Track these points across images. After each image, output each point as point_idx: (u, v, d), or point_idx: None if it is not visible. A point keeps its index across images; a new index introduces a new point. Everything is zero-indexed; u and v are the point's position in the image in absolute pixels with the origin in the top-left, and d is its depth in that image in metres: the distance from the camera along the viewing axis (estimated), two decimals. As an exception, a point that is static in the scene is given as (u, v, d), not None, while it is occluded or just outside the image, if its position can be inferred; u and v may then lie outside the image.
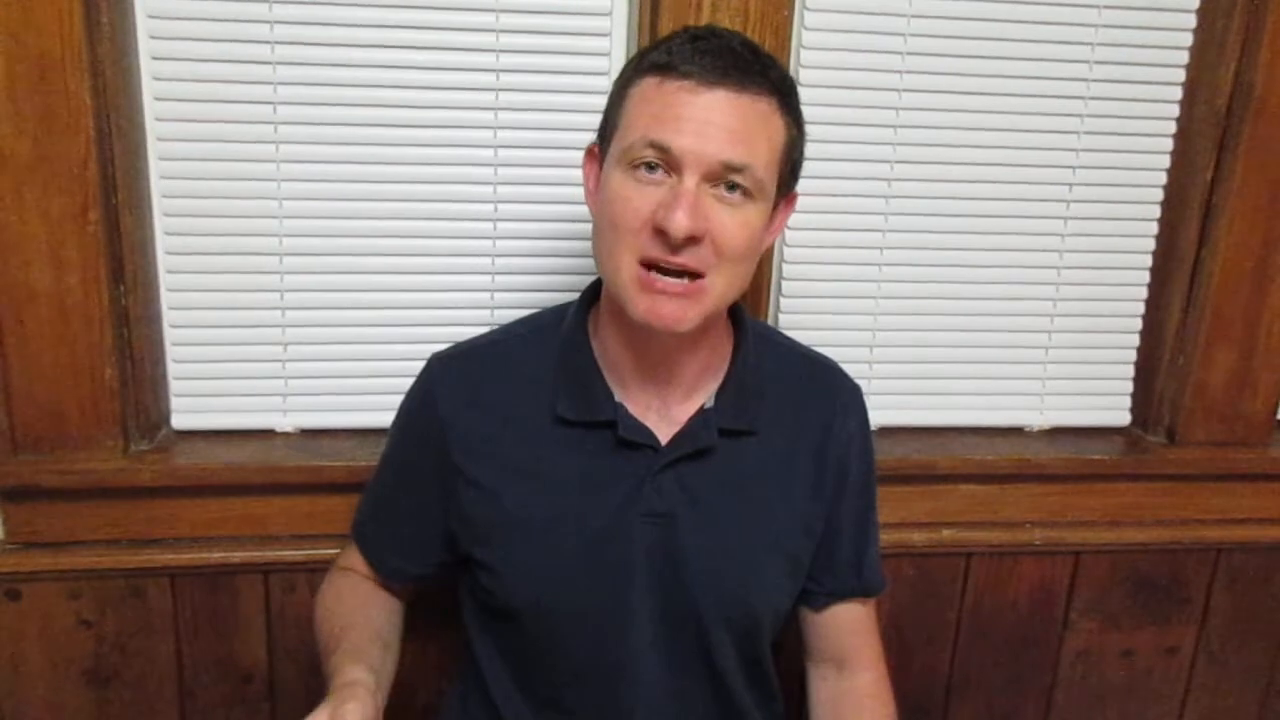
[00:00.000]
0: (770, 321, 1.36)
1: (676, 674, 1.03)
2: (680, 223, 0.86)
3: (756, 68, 0.90)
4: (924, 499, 1.42)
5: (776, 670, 1.13)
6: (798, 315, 1.36)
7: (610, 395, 0.99)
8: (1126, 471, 1.46)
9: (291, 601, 1.31)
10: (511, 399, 1.01)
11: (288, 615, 1.31)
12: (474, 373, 1.03)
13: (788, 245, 1.34)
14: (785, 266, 1.35)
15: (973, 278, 1.40)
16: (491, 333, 1.09)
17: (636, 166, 0.89)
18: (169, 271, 1.25)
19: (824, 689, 1.13)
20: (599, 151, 0.97)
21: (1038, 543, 1.46)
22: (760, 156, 0.89)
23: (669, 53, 0.89)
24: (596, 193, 0.96)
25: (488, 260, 1.29)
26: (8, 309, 1.18)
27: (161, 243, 1.25)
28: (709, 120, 0.87)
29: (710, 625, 1.01)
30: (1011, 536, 1.45)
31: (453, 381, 1.03)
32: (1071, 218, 1.40)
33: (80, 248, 1.17)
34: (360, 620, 1.04)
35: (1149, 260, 1.44)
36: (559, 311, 1.06)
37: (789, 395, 1.04)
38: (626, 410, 0.99)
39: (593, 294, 1.04)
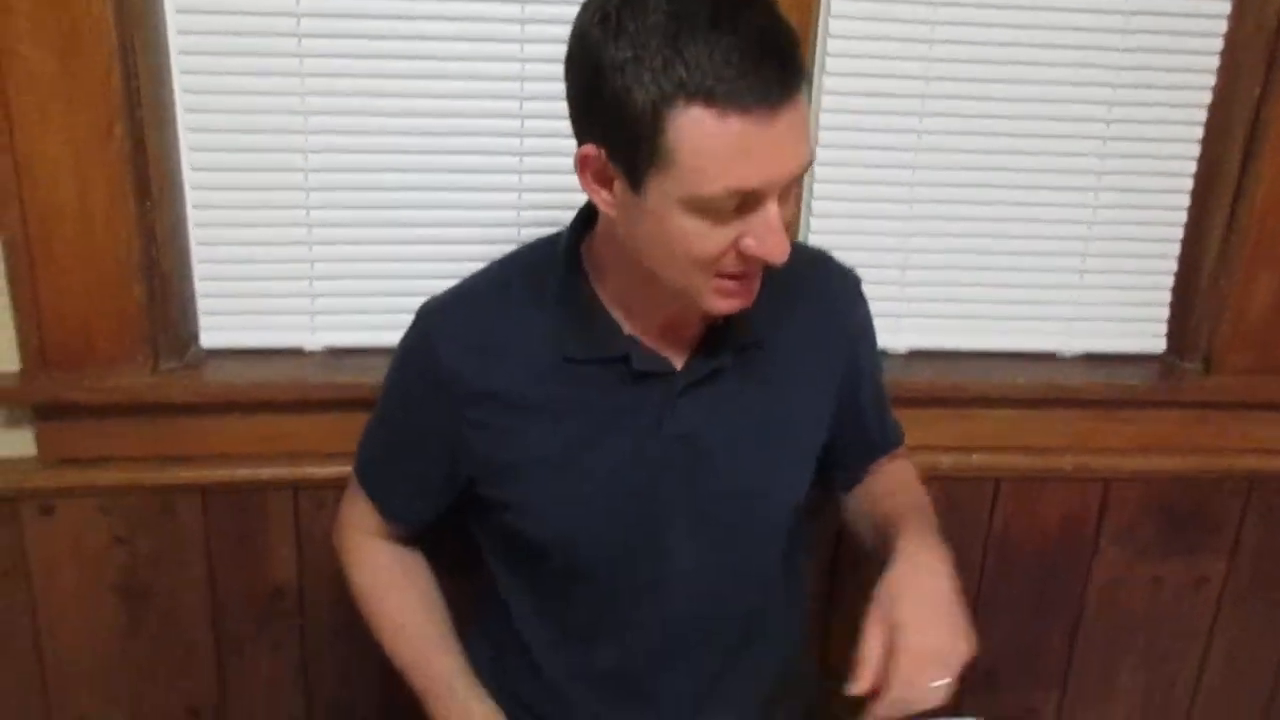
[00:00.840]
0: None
1: (709, 587, 1.03)
2: (783, 255, 0.85)
3: (791, 52, 0.81)
4: (953, 423, 1.41)
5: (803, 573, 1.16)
6: (828, 237, 1.34)
7: (619, 330, 0.97)
8: (1160, 399, 1.44)
9: (321, 519, 1.32)
10: (515, 340, 0.98)
11: (317, 532, 1.32)
12: (472, 318, 1.00)
13: (819, 165, 1.31)
14: (816, 187, 1.33)
15: (1006, 199, 1.37)
16: (480, 275, 1.05)
17: (716, 211, 0.83)
18: (194, 188, 1.25)
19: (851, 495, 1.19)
20: (611, 164, 0.85)
21: (1068, 469, 1.44)
22: (810, 146, 0.86)
23: (713, 75, 0.77)
24: (627, 215, 0.87)
25: (515, 177, 1.28)
26: (35, 227, 1.18)
27: (186, 159, 1.24)
28: (783, 146, 0.81)
29: (743, 532, 1.03)
30: (1041, 463, 1.44)
31: (452, 330, 1.00)
32: (1110, 138, 1.36)
33: (105, 164, 1.16)
34: (422, 611, 1.11)
35: (1190, 182, 1.40)
36: (547, 245, 1.02)
37: (792, 295, 1.03)
38: (638, 342, 0.97)
39: (581, 224, 1.00)
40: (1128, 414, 1.44)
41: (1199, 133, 1.38)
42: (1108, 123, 1.36)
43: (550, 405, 0.98)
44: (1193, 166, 1.39)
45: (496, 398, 0.98)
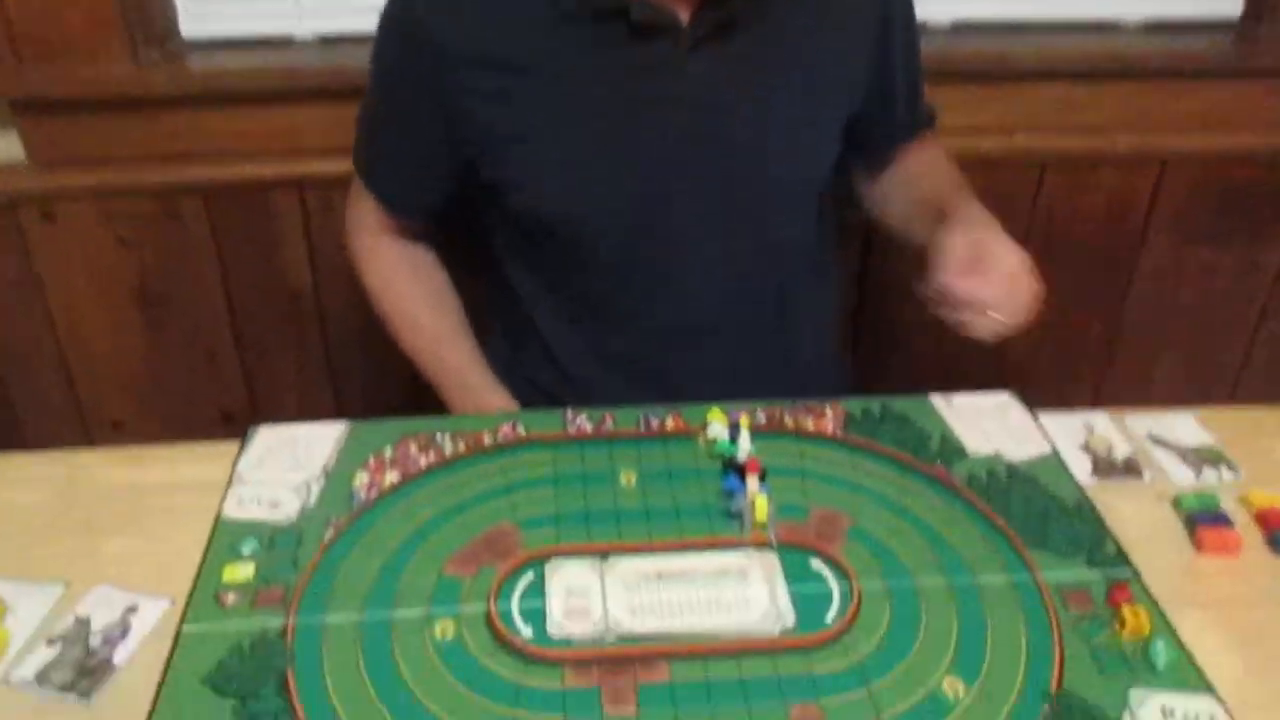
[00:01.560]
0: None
1: (724, 267, 0.98)
2: None
3: None
4: (997, 101, 1.30)
5: (831, 265, 1.10)
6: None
7: None
8: (1232, 67, 1.32)
9: (330, 221, 1.27)
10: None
11: (328, 234, 1.28)
12: None
13: None
14: None
15: None
16: None
17: None
18: None
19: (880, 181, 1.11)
20: None
21: (1121, 150, 1.34)
22: None
23: None
24: None
25: None
26: (-17, -100, 1.07)
27: None
28: None
29: (762, 205, 0.96)
30: (1092, 143, 1.34)
31: None
32: None
33: None
34: (434, 307, 1.08)
35: None
36: None
37: None
38: None
39: None
40: (1193, 85, 1.32)
41: None
42: None
43: (545, 67, 0.89)
44: None
45: (486, 60, 0.90)
